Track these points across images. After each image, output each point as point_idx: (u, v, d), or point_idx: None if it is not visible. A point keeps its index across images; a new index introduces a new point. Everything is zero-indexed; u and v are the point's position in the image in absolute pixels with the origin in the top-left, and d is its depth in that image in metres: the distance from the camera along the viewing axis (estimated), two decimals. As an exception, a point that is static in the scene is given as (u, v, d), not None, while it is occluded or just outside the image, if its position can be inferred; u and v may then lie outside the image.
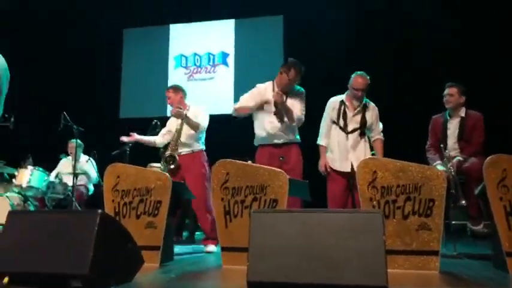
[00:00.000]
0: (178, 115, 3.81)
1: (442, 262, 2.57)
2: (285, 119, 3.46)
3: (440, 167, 3.42)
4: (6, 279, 2.02)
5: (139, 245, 2.42)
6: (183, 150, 3.88)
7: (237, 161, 2.91)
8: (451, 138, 3.71)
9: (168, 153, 3.79)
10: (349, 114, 3.53)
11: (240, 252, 2.67)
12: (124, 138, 4.08)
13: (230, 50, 7.73)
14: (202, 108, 4.05)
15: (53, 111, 5.01)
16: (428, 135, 3.90)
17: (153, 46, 8.05)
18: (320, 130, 3.68)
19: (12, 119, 4.53)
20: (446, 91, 3.76)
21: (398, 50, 6.26)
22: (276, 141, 3.52)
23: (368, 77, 3.53)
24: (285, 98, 3.47)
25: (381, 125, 3.68)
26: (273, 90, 3.53)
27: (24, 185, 4.48)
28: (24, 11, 7.21)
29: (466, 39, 5.95)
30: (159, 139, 4.13)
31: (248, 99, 3.59)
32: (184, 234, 4.89)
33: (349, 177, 3.44)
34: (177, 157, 3.78)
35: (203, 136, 4.04)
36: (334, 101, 3.64)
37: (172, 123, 4.05)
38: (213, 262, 3.03)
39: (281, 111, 3.42)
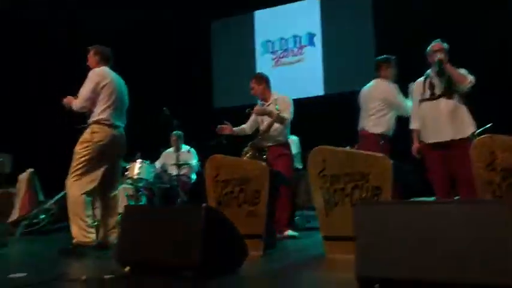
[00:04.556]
0: (260, 113, 3.91)
1: None
2: None
3: None
4: (127, 269, 2.23)
5: (242, 234, 2.49)
6: (270, 142, 3.91)
7: (334, 147, 2.82)
8: None
9: (258, 145, 3.86)
10: (436, 81, 3.22)
11: (342, 241, 2.60)
12: (221, 130, 4.15)
13: (317, 30, 7.51)
14: (287, 99, 4.02)
15: (153, 106, 5.36)
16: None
17: (240, 34, 8.16)
18: (411, 116, 3.43)
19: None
20: None
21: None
22: None
23: (444, 43, 3.25)
24: None
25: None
26: None
27: (135, 177, 4.88)
28: (119, 14, 7.75)
29: None
30: (248, 128, 4.22)
31: None
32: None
33: (447, 147, 3.11)
34: (267, 149, 3.84)
35: (289, 128, 4.08)
36: (418, 81, 3.38)
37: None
38: (315, 251, 3.00)
39: None
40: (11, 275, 2.36)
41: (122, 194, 4.86)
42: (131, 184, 5.00)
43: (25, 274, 2.38)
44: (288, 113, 3.89)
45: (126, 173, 5.01)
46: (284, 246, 3.27)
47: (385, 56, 3.93)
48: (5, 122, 7.04)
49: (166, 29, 7.86)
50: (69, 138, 3.44)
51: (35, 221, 4.93)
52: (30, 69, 7.45)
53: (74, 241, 3.17)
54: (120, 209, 4.60)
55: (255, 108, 3.98)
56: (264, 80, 4.07)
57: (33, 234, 4.80)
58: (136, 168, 4.91)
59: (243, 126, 4.25)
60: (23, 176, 5.24)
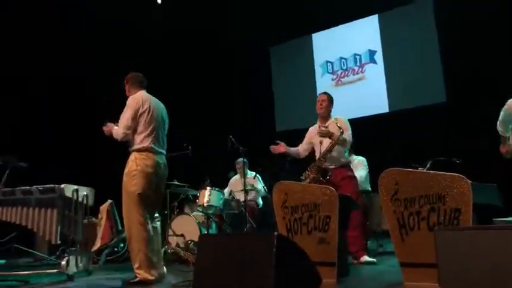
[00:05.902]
0: (323, 135, 3.90)
1: None
2: None
3: None
4: (205, 298, 2.28)
5: (314, 261, 2.45)
6: (333, 164, 3.88)
7: (406, 169, 2.72)
8: None
9: (323, 166, 3.83)
10: None
11: (421, 268, 2.47)
12: (274, 149, 4.16)
13: (377, 46, 7.39)
14: (345, 120, 4.04)
15: (219, 134, 5.54)
16: None
17: (299, 58, 8.26)
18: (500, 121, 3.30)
19: (190, 147, 5.22)
20: None
21: None
22: None
23: None
24: None
25: None
26: None
27: (205, 204, 5.03)
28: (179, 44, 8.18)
29: None
30: (302, 151, 4.21)
31: None
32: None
33: None
34: (330, 171, 3.80)
35: (348, 149, 4.08)
36: None
37: (314, 135, 4.09)
38: (392, 278, 2.86)
39: None
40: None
41: (193, 221, 5.02)
42: (202, 211, 5.15)
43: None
44: (348, 135, 3.90)
45: (196, 201, 5.18)
46: (358, 273, 3.16)
47: None
48: (86, 159, 7.63)
49: (227, 57, 8.16)
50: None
51: (115, 249, 5.23)
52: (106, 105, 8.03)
53: (138, 277, 3.10)
54: (188, 236, 4.79)
55: (319, 129, 3.98)
56: (332, 101, 4.13)
57: (114, 262, 5.09)
58: (206, 195, 5.05)
59: (297, 148, 4.25)
60: (104, 207, 5.61)
